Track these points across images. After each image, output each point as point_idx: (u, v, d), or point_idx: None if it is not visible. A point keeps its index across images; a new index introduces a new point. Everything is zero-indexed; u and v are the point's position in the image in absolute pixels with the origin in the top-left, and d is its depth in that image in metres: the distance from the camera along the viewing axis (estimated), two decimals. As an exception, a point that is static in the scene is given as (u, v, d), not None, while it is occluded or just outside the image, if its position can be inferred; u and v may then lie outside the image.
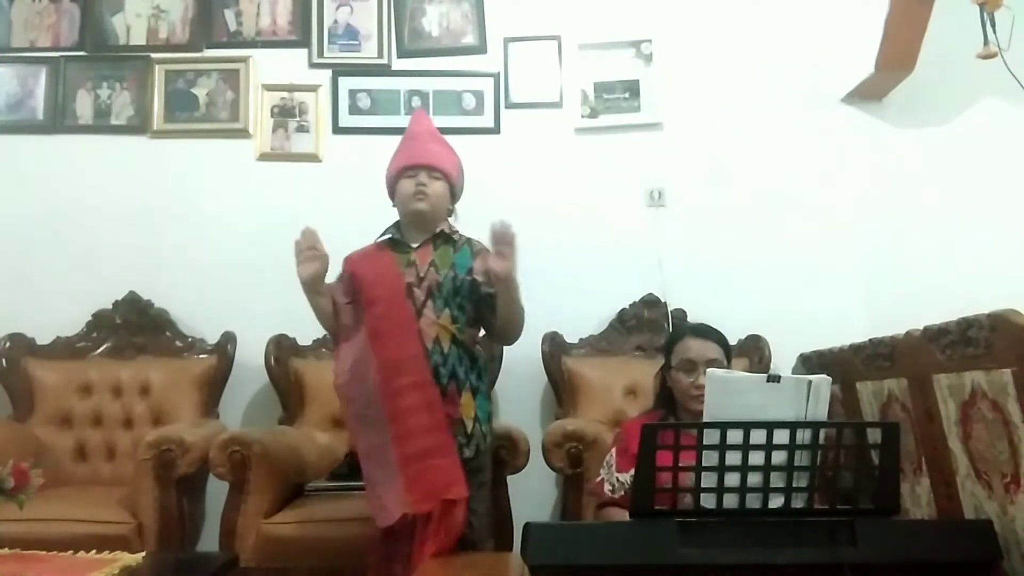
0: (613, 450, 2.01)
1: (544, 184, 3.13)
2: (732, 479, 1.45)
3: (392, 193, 2.18)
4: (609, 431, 2.44)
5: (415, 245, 2.12)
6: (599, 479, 1.98)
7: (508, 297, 2.04)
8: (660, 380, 2.07)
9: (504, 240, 1.99)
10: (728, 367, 1.96)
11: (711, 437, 1.45)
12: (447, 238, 2.14)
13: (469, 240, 2.17)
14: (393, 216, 2.19)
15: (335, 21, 3.29)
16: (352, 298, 2.09)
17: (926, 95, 3.13)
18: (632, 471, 1.86)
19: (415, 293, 2.04)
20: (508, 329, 2.13)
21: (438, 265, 2.09)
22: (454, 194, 2.19)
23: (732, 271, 3.08)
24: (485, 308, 2.09)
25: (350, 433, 2.04)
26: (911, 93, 3.11)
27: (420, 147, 2.17)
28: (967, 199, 3.10)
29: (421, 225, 2.13)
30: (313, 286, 2.04)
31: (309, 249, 2.02)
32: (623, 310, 3.05)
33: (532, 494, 2.64)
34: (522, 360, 2.83)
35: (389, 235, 2.15)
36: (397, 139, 3.08)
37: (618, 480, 1.92)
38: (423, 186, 2.10)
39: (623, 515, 1.86)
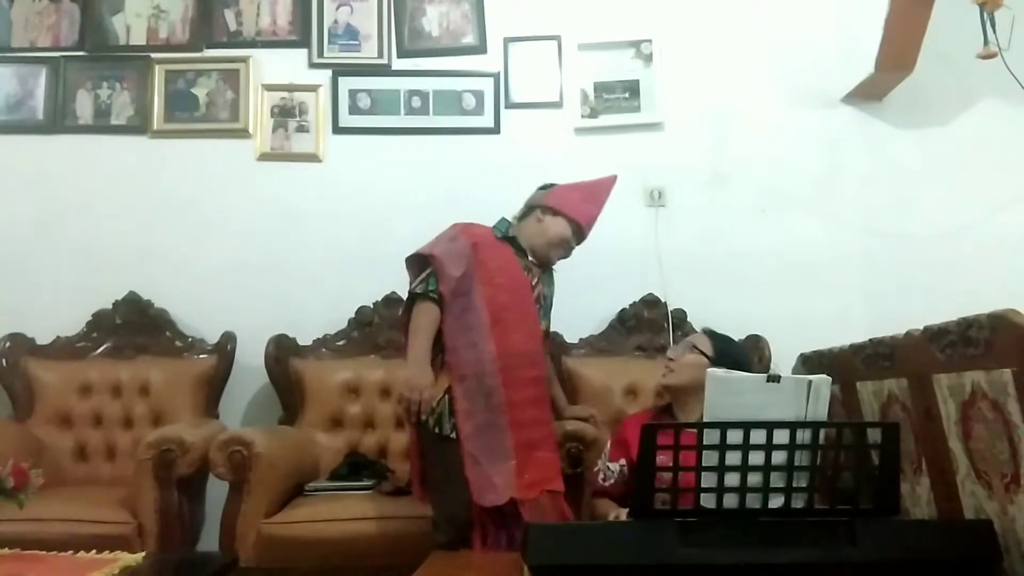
0: (610, 440, 2.09)
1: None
2: (732, 479, 1.45)
3: (543, 208, 2.29)
4: (609, 431, 2.45)
5: (531, 258, 2.28)
6: (596, 468, 2.08)
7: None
8: None
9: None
10: (712, 363, 1.99)
11: (711, 437, 1.45)
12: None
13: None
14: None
15: (335, 21, 3.28)
16: (464, 270, 2.11)
17: (926, 95, 3.13)
18: (622, 460, 1.92)
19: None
20: None
21: (544, 282, 2.29)
22: None
23: (732, 271, 3.07)
24: None
25: (459, 410, 2.03)
26: (911, 93, 3.11)
27: (595, 216, 2.33)
28: (967, 199, 3.10)
29: (539, 260, 2.30)
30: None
31: None
32: (623, 310, 3.04)
33: (532, 494, 2.63)
34: (522, 360, 2.83)
35: (512, 235, 2.28)
36: (397, 139, 3.17)
37: (608, 468, 1.96)
38: (571, 250, 2.32)
39: (613, 507, 1.88)
